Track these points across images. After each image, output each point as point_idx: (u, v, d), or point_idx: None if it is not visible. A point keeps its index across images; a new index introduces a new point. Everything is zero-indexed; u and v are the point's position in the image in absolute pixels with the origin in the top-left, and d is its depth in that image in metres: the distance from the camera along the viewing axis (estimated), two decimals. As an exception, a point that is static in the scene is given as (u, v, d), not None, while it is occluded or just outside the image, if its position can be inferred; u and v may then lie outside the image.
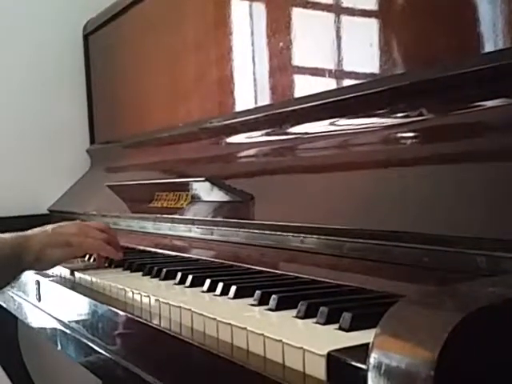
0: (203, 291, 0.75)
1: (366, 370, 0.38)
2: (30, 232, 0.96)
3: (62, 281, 1.01)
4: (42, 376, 1.75)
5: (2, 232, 1.01)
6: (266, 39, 1.03)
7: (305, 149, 0.93)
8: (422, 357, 0.34)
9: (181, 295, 0.75)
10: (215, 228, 0.97)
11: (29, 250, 0.93)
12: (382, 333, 0.38)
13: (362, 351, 0.41)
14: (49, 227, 0.97)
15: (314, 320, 0.56)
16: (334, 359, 0.46)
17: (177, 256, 1.05)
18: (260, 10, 1.07)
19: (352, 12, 0.87)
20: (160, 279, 0.86)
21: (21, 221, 1.53)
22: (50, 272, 1.09)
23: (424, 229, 0.60)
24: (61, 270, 1.06)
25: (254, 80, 1.08)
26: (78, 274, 0.98)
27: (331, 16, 0.90)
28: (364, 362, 0.39)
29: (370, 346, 0.38)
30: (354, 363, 0.44)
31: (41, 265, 0.97)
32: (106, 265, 1.03)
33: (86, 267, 1.03)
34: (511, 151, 0.60)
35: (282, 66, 0.99)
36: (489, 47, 0.67)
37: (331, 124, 0.88)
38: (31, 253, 0.93)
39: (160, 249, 1.12)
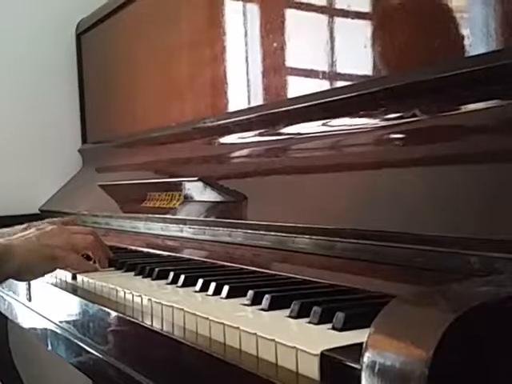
0: (196, 291, 0.75)
1: (360, 370, 0.38)
2: (14, 241, 0.90)
3: (53, 281, 1.01)
4: (33, 376, 1.74)
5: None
6: (259, 40, 1.03)
7: (298, 149, 0.93)
8: (416, 356, 0.34)
9: (173, 295, 0.75)
10: (208, 228, 0.96)
11: (13, 261, 0.87)
12: (376, 332, 0.38)
13: (356, 351, 0.41)
14: (33, 235, 0.91)
15: (307, 320, 0.56)
16: (327, 359, 0.46)
17: (169, 256, 1.04)
18: (254, 10, 1.07)
19: (345, 13, 0.87)
20: (152, 279, 0.86)
21: (12, 220, 1.52)
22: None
23: (417, 229, 0.60)
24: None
25: (248, 80, 1.08)
26: (69, 274, 0.98)
27: (325, 17, 0.91)
28: (358, 362, 0.39)
29: (364, 345, 0.38)
30: (347, 362, 0.44)
31: (22, 277, 0.93)
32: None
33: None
34: (504, 152, 0.61)
35: (275, 67, 0.99)
36: (481, 49, 0.67)
37: (324, 125, 0.88)
38: (14, 264, 0.87)
39: (152, 249, 1.12)
